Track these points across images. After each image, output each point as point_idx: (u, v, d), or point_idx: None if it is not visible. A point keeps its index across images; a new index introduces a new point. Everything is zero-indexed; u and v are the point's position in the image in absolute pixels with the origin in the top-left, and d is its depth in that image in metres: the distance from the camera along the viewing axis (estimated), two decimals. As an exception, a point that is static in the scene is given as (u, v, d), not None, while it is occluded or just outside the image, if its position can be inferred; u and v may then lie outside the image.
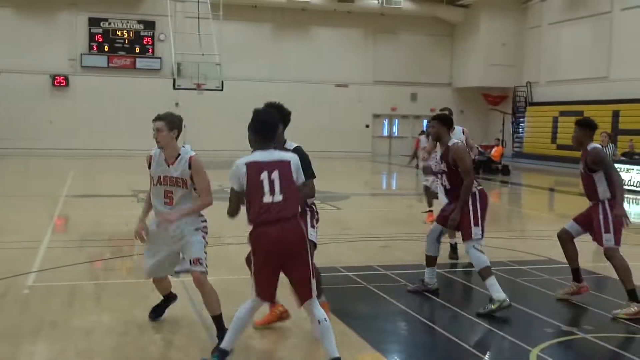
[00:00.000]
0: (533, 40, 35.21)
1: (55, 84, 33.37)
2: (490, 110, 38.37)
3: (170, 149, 6.00)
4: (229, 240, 10.57)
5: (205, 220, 6.07)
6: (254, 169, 4.95)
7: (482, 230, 6.98)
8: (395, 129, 38.94)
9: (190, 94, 30.62)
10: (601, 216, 6.85)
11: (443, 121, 7.60)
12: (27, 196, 16.35)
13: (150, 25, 34.42)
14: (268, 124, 5.17)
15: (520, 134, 35.60)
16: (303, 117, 35.00)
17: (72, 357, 5.42)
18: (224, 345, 4.99)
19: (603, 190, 6.87)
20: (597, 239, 6.95)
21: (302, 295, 4.90)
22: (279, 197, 4.89)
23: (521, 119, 35.67)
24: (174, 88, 30.25)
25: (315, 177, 5.80)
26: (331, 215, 13.03)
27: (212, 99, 31.36)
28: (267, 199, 4.88)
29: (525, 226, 14.61)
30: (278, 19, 36.21)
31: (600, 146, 7.17)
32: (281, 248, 4.84)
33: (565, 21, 32.67)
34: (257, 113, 5.28)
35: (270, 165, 4.95)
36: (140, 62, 34.41)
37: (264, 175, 4.92)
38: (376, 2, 35.45)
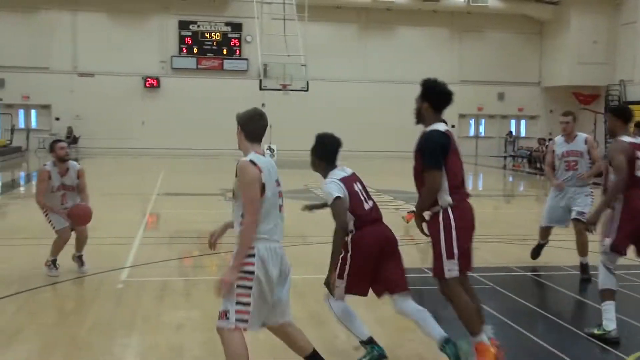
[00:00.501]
0: (627, 37, 33.87)
1: (147, 85, 34.44)
2: (581, 109, 37.14)
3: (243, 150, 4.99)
4: (312, 239, 10.64)
5: (254, 255, 4.53)
6: (347, 182, 5.31)
7: (615, 245, 6.01)
8: (481, 129, 38.26)
9: (276, 94, 30.94)
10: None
11: (617, 114, 6.38)
12: (120, 194, 16.92)
13: (237, 27, 35.06)
14: (337, 146, 5.54)
15: (613, 134, 34.32)
16: (388, 116, 35.15)
17: (163, 351, 5.56)
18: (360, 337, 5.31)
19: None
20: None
21: (400, 285, 5.22)
22: (370, 203, 5.36)
23: (615, 119, 34.37)
24: (261, 89, 30.70)
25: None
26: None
27: (298, 99, 31.60)
28: (366, 205, 5.30)
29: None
30: (363, 19, 36.20)
31: (624, 140, 6.18)
32: (387, 243, 5.24)
33: (662, 17, 31.34)
34: (323, 137, 5.59)
35: (353, 178, 5.41)
36: (228, 64, 35.10)
37: (357, 187, 5.35)
38: (462, 0, 34.93)
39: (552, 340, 6.00)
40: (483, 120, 38.23)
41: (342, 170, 5.44)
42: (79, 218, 7.86)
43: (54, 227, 8.00)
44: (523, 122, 38.65)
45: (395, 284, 5.21)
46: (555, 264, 9.08)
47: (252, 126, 4.96)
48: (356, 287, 5.26)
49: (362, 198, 5.31)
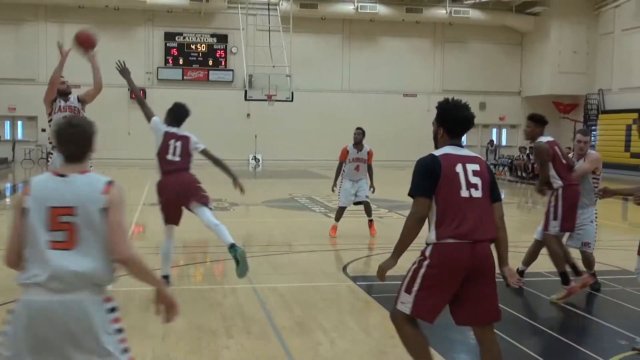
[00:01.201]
0: (605, 47, 34.25)
1: (133, 96, 34.31)
2: (561, 118, 37.44)
3: None
4: (299, 248, 10.64)
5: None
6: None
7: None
8: (463, 137, 38.34)
9: (262, 104, 30.99)
10: (552, 204, 7.49)
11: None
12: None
13: (222, 38, 35.07)
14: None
15: (593, 142, 34.59)
16: (371, 126, 34.94)
17: (149, 360, 5.53)
18: None
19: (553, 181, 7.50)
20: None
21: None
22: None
23: (593, 127, 34.68)
24: (246, 99, 30.76)
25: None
26: (399, 223, 12.98)
27: (283, 109, 31.63)
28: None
29: (599, 236, 14.12)
30: (347, 30, 36.34)
31: (542, 141, 7.93)
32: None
33: (639, 27, 31.67)
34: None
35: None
36: (214, 75, 35.08)
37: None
38: (444, 11, 35.17)
39: (532, 345, 6.03)
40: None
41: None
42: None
43: None
44: (504, 131, 38.88)
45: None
46: (535, 270, 9.11)
47: None
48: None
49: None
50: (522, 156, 29.22)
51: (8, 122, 34.27)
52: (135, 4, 33.08)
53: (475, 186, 4.22)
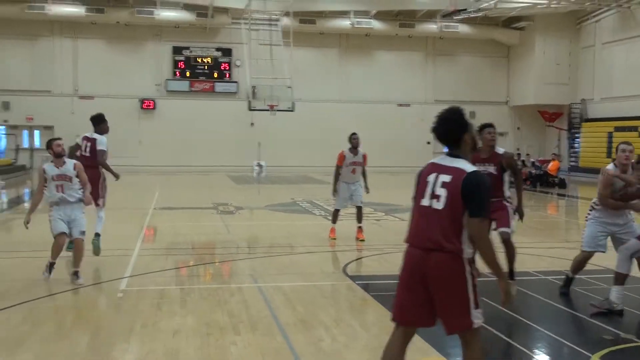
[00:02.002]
0: (587, 59, 34.28)
1: (144, 107, 34.36)
2: (546, 126, 37.50)
3: None
4: (300, 249, 10.63)
5: None
6: None
7: None
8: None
9: (264, 114, 31.02)
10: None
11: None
12: (119, 209, 16.80)
13: (227, 52, 35.11)
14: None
15: (576, 149, 34.65)
16: (367, 134, 35.03)
17: (160, 356, 5.51)
18: None
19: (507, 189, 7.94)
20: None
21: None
22: None
23: (576, 135, 34.73)
24: (249, 109, 30.80)
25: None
26: (395, 226, 13.01)
27: (284, 118, 31.66)
28: None
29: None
30: (343, 44, 36.38)
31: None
32: None
33: (618, 40, 31.77)
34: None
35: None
36: (219, 86, 35.11)
37: None
38: (435, 26, 35.24)
39: (523, 341, 6.02)
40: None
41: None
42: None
43: (52, 232, 8.05)
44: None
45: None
46: (524, 270, 9.11)
47: None
48: None
49: None
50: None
51: (26, 131, 34.24)
52: (145, 20, 33.11)
53: (437, 197, 4.00)
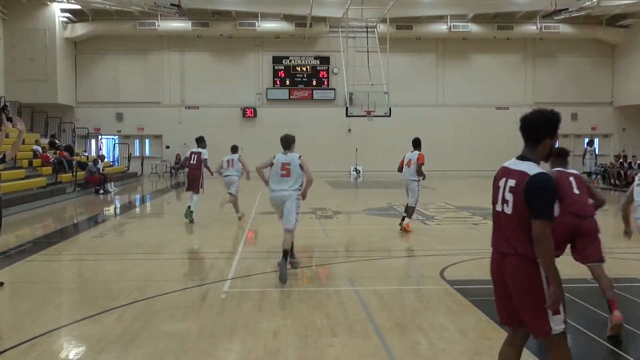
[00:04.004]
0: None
1: (246, 115, 35.24)
2: (654, 127, 35.54)
3: None
4: (396, 253, 10.54)
5: None
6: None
7: None
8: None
9: (361, 120, 31.08)
10: None
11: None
12: (223, 213, 17.32)
13: (325, 60, 35.44)
14: None
15: (689, 150, 32.60)
16: (465, 138, 34.70)
17: (261, 355, 5.61)
18: None
19: None
20: None
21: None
22: None
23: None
24: (347, 115, 30.93)
25: None
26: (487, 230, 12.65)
27: (381, 124, 31.59)
28: None
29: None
30: (440, 49, 35.92)
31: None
32: None
33: None
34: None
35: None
36: (317, 94, 35.49)
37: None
38: (535, 27, 34.13)
39: (632, 351, 5.71)
40: (557, 140, 36.97)
41: None
42: None
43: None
44: (596, 140, 37.21)
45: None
46: (631, 276, 8.67)
47: None
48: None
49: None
50: (616, 164, 27.87)
51: (137, 140, 35.91)
52: (247, 32, 33.98)
53: (506, 202, 3.97)
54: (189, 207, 14.65)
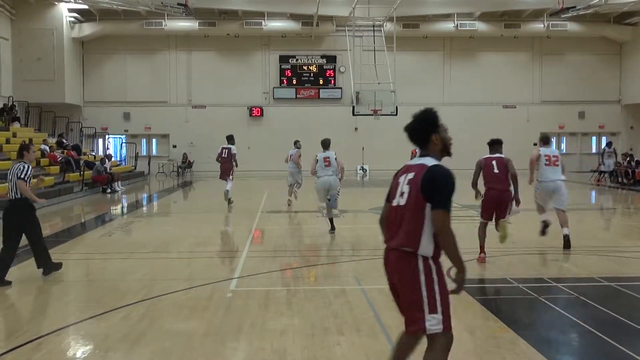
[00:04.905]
0: None
1: (252, 114, 35.27)
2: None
3: None
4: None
5: None
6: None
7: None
8: (563, 146, 36.98)
9: (368, 119, 31.03)
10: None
11: None
12: (229, 212, 17.35)
13: (332, 59, 35.42)
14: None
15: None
16: (472, 136, 34.54)
17: (268, 354, 5.62)
18: None
19: None
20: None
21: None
22: None
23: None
24: (354, 114, 30.88)
25: None
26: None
27: (387, 123, 31.55)
28: None
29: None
30: (447, 47, 35.83)
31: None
32: None
33: None
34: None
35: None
36: (324, 93, 35.47)
37: None
38: (542, 26, 34.00)
39: (633, 347, 5.68)
40: (564, 138, 36.93)
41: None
42: None
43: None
44: (604, 139, 37.05)
45: None
46: (633, 275, 8.63)
47: None
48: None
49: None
50: (624, 162, 27.72)
51: (144, 139, 36.00)
52: (253, 31, 34.00)
53: (402, 195, 3.99)
54: (227, 191, 17.88)
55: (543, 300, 7.31)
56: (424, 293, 3.86)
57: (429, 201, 3.85)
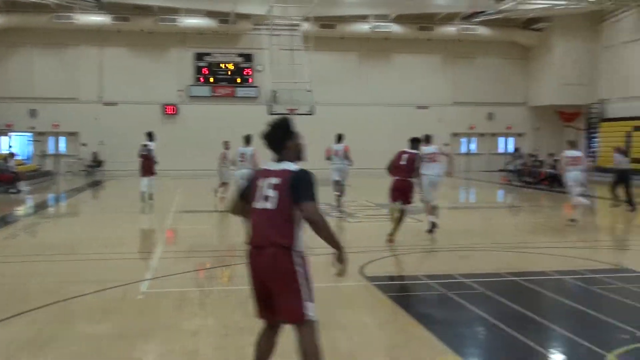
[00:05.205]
0: (606, 59, 33.87)
1: (166, 112, 34.64)
2: (564, 126, 37.16)
3: None
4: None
5: None
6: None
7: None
8: (473, 146, 38.29)
9: (284, 118, 31.05)
10: None
11: None
12: (141, 212, 16.99)
13: (248, 58, 35.28)
14: None
15: (594, 149, 34.26)
16: (387, 136, 35.22)
17: (179, 356, 5.57)
18: None
19: None
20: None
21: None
22: None
23: (594, 135, 34.34)
24: (270, 114, 30.74)
25: None
26: (412, 227, 12.94)
27: (304, 123, 31.65)
28: None
29: (599, 236, 14.01)
30: (363, 48, 36.34)
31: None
32: None
33: (637, 40, 31.31)
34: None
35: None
36: (240, 91, 35.30)
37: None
38: (454, 29, 35.07)
39: (538, 340, 5.97)
40: (475, 139, 38.25)
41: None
42: None
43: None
44: (511, 140, 38.63)
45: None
46: (539, 269, 9.06)
47: None
48: None
49: None
50: (529, 162, 28.98)
51: (52, 137, 34.70)
52: (169, 28, 33.38)
53: (268, 199, 4.27)
54: (142, 192, 18.14)
55: (452, 296, 7.56)
56: (303, 283, 4.23)
57: (298, 199, 4.20)
